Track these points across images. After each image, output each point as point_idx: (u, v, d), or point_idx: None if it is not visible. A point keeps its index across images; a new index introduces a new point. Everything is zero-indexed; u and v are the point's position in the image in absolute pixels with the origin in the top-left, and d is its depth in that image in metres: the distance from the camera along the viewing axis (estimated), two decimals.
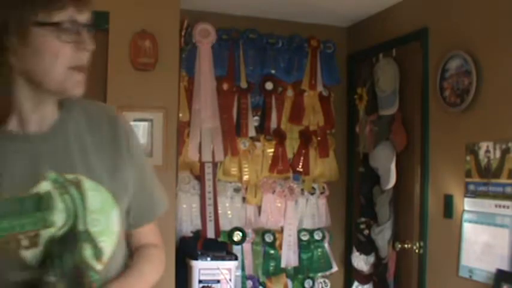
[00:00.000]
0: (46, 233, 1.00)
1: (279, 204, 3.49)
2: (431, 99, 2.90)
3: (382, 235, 3.20)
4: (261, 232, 3.43)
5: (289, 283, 3.50)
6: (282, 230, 3.47)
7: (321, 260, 3.55)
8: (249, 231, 3.38)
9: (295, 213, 3.53)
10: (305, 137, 3.54)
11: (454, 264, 2.65)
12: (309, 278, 3.53)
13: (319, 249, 3.56)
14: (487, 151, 2.48)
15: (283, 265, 3.45)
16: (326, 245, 3.58)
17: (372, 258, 3.35)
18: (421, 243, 2.92)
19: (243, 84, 3.44)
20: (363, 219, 3.42)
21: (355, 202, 3.61)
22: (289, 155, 3.53)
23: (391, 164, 3.13)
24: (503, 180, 2.40)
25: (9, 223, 0.97)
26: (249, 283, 3.37)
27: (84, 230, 1.04)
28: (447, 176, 2.77)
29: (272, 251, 3.44)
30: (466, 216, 2.61)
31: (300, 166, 3.54)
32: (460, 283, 2.62)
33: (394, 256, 3.16)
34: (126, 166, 1.17)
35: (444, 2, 2.86)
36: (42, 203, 1.01)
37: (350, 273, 3.60)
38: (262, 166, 3.46)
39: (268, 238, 3.42)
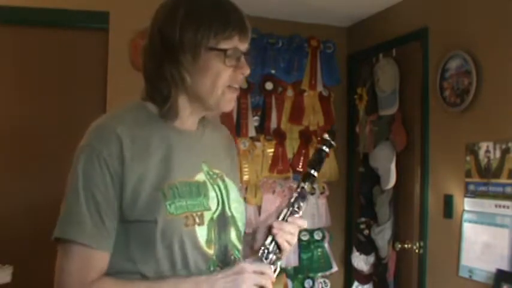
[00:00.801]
0: (207, 215, 1.23)
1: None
2: (431, 99, 2.90)
3: (382, 235, 3.20)
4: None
5: (289, 283, 3.50)
6: None
7: (321, 260, 3.55)
8: (249, 231, 3.38)
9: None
10: (305, 137, 3.54)
11: (454, 264, 2.65)
12: (309, 278, 3.53)
13: (319, 249, 3.56)
14: (487, 151, 2.48)
15: (283, 265, 3.44)
16: (326, 245, 3.58)
17: (372, 258, 3.35)
18: (421, 243, 2.92)
19: (243, 84, 3.43)
20: (363, 219, 3.42)
21: (355, 202, 3.61)
22: (289, 155, 3.53)
23: (391, 164, 3.13)
24: (503, 180, 2.40)
25: (186, 202, 1.19)
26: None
27: (230, 215, 1.30)
28: (447, 176, 2.77)
29: None
30: (466, 216, 2.61)
31: (300, 166, 3.53)
32: (460, 283, 2.62)
33: (394, 256, 3.16)
34: (236, 176, 1.43)
35: (444, 2, 2.86)
36: (201, 190, 1.24)
37: (350, 273, 3.60)
38: (262, 166, 3.46)
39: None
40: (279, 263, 1.28)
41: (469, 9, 2.66)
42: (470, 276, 2.55)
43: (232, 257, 1.28)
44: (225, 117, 3.36)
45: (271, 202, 3.47)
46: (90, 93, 2.95)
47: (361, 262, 3.40)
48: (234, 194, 1.33)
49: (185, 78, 1.22)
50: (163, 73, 1.24)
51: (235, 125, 3.40)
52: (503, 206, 2.39)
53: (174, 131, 1.26)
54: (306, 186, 1.32)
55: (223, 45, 1.20)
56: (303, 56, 3.57)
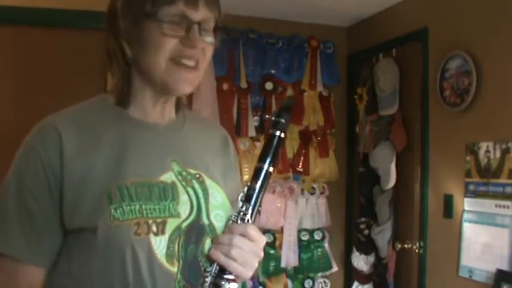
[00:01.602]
0: (172, 222, 1.01)
1: (279, 204, 3.49)
2: (431, 99, 2.89)
3: (382, 235, 3.20)
4: (261, 232, 3.43)
5: (289, 283, 3.50)
6: (282, 230, 3.47)
7: (321, 260, 3.55)
8: None
9: (295, 213, 3.52)
10: (305, 137, 3.54)
11: (454, 264, 2.65)
12: (309, 278, 3.53)
13: (319, 249, 3.55)
14: (487, 151, 2.48)
15: (283, 265, 3.44)
16: (326, 245, 3.58)
17: (372, 258, 3.35)
18: (421, 243, 2.92)
19: (243, 84, 3.43)
20: (363, 219, 3.42)
21: (355, 202, 3.61)
22: (289, 155, 3.52)
23: (391, 164, 3.13)
24: (503, 180, 2.40)
25: (141, 206, 0.99)
26: (249, 283, 3.36)
27: (208, 223, 1.06)
28: (447, 176, 2.77)
29: (272, 251, 3.44)
30: (466, 216, 2.61)
31: (300, 166, 3.53)
32: (460, 283, 2.62)
33: (394, 256, 3.16)
34: (232, 178, 1.21)
35: (444, 2, 2.86)
36: (167, 193, 1.03)
37: (350, 273, 3.60)
38: None
39: (268, 238, 3.42)
40: (229, 286, 1.00)
41: (469, 9, 2.66)
42: (470, 276, 2.54)
43: (204, 274, 1.03)
44: (225, 117, 3.36)
45: (271, 202, 3.47)
46: (90, 93, 2.94)
47: (361, 262, 3.40)
48: (218, 199, 1.10)
49: (124, 50, 1.06)
50: (108, 48, 1.08)
51: (235, 125, 3.40)
52: (503, 206, 2.39)
53: (134, 124, 1.08)
54: (258, 184, 1.04)
55: (163, 12, 1.01)
56: (303, 56, 3.57)
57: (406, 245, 3.04)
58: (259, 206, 1.05)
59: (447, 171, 2.78)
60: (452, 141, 2.72)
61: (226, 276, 1.00)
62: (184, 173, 1.07)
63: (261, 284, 3.42)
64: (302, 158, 3.53)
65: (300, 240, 3.50)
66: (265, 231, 3.45)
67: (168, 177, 1.05)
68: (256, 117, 3.48)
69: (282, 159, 3.49)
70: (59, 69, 2.94)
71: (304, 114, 3.55)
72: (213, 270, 1.01)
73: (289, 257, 3.45)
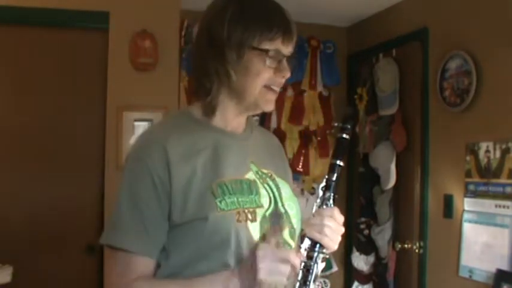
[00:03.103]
0: (259, 212, 1.23)
1: None
2: (431, 99, 2.90)
3: (382, 235, 3.20)
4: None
5: None
6: None
7: None
8: None
9: None
10: (305, 137, 3.54)
11: (454, 264, 2.65)
12: None
13: None
14: (487, 151, 2.48)
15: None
16: None
17: (372, 258, 3.35)
18: (421, 243, 2.92)
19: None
20: (363, 219, 3.42)
21: (355, 202, 3.61)
22: (289, 155, 3.52)
23: (391, 164, 3.13)
24: (503, 180, 2.40)
25: (237, 199, 1.21)
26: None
27: (284, 211, 1.30)
28: (447, 176, 2.77)
29: None
30: (466, 216, 2.61)
31: (300, 166, 3.54)
32: (460, 283, 2.62)
33: (394, 256, 3.16)
34: (290, 177, 1.45)
35: (444, 2, 2.86)
36: (252, 188, 1.25)
37: (350, 273, 3.60)
38: None
39: None
40: (320, 257, 1.27)
41: (469, 9, 2.66)
42: (470, 276, 2.55)
43: None
44: None
45: None
46: (90, 93, 2.95)
47: (361, 262, 3.40)
48: (287, 192, 1.34)
49: (230, 74, 1.25)
50: (208, 69, 1.27)
51: None
52: (503, 206, 2.39)
53: (219, 132, 1.29)
54: (334, 176, 1.29)
55: (266, 46, 1.23)
56: (303, 56, 3.57)
57: (406, 245, 3.04)
58: (336, 193, 1.29)
59: (447, 171, 2.78)
60: (452, 141, 2.73)
61: (317, 249, 1.25)
62: (260, 172, 1.31)
63: None
64: (302, 158, 3.54)
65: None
66: None
67: (250, 175, 1.28)
68: (256, 117, 3.47)
69: None
70: (59, 69, 2.94)
71: (304, 114, 3.55)
72: (307, 246, 1.24)
73: None
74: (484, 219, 2.50)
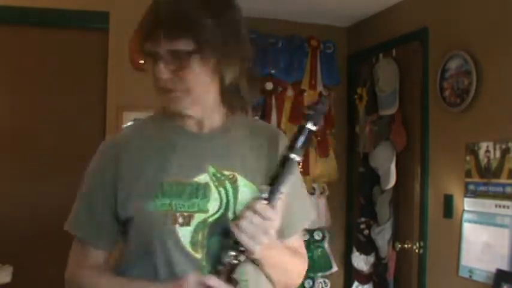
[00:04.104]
0: (199, 217, 1.19)
1: None
2: (431, 99, 2.90)
3: (382, 235, 3.20)
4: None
5: None
6: None
7: (321, 260, 3.55)
8: None
9: None
10: None
11: (454, 264, 2.65)
12: (309, 278, 3.53)
13: (319, 249, 3.55)
14: (487, 151, 2.48)
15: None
16: (326, 245, 3.58)
17: (372, 258, 3.35)
18: (421, 243, 2.92)
19: None
20: (363, 219, 3.42)
21: (355, 202, 3.61)
22: None
23: (391, 164, 3.13)
24: (503, 180, 2.40)
25: (170, 201, 1.18)
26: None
27: (233, 218, 1.20)
28: (447, 176, 2.77)
29: None
30: (466, 216, 2.61)
31: (300, 166, 3.53)
32: (460, 283, 2.62)
33: (394, 256, 3.16)
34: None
35: (444, 2, 2.86)
36: (199, 191, 1.20)
37: (350, 273, 3.60)
38: None
39: None
40: (232, 256, 1.13)
41: (469, 9, 2.66)
42: (470, 276, 2.55)
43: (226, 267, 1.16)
44: None
45: None
46: (90, 93, 2.95)
47: (361, 262, 3.40)
48: (247, 197, 1.21)
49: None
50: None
51: None
52: (503, 206, 2.39)
53: (178, 133, 1.28)
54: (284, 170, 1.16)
55: (147, 48, 1.21)
56: (303, 56, 3.57)
57: (406, 245, 3.04)
58: (280, 191, 1.14)
59: (447, 171, 2.78)
60: (452, 141, 2.72)
61: (239, 248, 1.12)
62: (218, 175, 1.23)
63: None
64: (302, 158, 3.53)
65: None
66: None
67: (202, 178, 1.22)
68: (256, 117, 3.48)
69: None
70: (59, 69, 2.94)
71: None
72: (231, 242, 1.13)
73: None
74: (484, 219, 2.50)
